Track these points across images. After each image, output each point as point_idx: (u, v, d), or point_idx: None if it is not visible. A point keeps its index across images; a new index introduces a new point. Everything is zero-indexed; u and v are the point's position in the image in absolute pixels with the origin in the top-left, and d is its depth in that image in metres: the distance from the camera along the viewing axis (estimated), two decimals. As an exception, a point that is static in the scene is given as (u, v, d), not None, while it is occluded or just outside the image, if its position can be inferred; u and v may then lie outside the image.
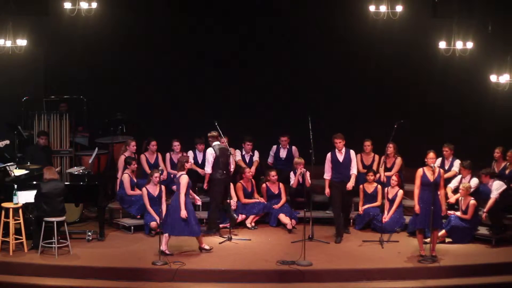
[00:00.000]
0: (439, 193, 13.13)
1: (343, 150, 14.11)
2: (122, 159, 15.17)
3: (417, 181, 13.20)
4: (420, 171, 13.22)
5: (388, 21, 14.95)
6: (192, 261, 12.97)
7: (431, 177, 13.11)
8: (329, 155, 14.14)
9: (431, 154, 13.24)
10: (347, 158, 14.12)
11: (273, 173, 15.17)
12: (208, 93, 17.78)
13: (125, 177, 14.73)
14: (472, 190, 14.22)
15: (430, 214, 12.98)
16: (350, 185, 14.10)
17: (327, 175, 14.17)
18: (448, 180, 14.54)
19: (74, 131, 16.51)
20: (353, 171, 14.16)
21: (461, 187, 14.25)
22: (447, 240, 14.00)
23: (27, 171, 14.29)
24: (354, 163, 14.19)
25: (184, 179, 13.23)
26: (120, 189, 14.85)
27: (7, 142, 15.04)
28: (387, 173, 15.02)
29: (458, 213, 14.11)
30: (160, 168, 14.40)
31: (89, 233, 13.93)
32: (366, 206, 14.89)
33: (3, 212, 13.17)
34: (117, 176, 15.03)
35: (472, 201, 14.01)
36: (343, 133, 14.19)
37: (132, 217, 14.70)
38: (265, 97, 17.76)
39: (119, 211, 14.95)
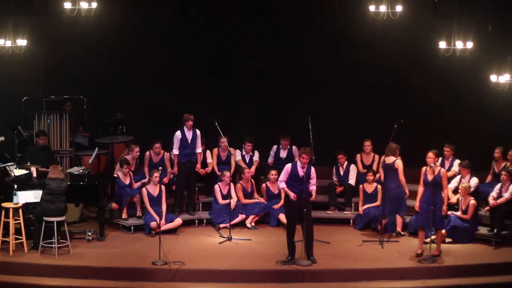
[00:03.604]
0: (442, 192, 13.17)
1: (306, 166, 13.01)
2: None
3: (420, 180, 13.34)
4: (423, 170, 13.36)
5: (388, 21, 14.93)
6: (192, 261, 12.97)
7: (430, 177, 13.15)
8: (288, 166, 13.06)
9: (430, 154, 13.29)
10: (308, 174, 12.96)
11: (273, 172, 15.16)
12: (208, 93, 17.76)
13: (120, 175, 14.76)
14: (471, 190, 14.23)
15: (430, 213, 13.01)
16: (313, 196, 13.06)
17: (283, 184, 13.06)
18: (448, 180, 14.53)
19: (75, 131, 16.51)
20: (312, 187, 13.07)
21: (460, 187, 14.26)
22: (447, 240, 14.01)
23: (27, 171, 14.28)
24: (314, 180, 13.07)
25: (401, 164, 14.00)
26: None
27: (2, 138, 15.10)
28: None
29: (458, 213, 14.12)
30: (160, 168, 14.38)
31: (89, 233, 13.93)
32: (366, 206, 14.89)
33: (3, 212, 13.17)
34: (115, 176, 15.06)
35: (472, 201, 14.01)
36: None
37: (132, 217, 14.70)
38: (265, 97, 17.74)
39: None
